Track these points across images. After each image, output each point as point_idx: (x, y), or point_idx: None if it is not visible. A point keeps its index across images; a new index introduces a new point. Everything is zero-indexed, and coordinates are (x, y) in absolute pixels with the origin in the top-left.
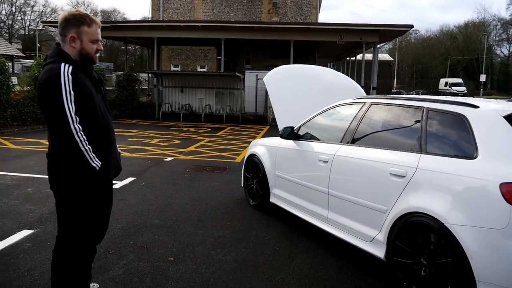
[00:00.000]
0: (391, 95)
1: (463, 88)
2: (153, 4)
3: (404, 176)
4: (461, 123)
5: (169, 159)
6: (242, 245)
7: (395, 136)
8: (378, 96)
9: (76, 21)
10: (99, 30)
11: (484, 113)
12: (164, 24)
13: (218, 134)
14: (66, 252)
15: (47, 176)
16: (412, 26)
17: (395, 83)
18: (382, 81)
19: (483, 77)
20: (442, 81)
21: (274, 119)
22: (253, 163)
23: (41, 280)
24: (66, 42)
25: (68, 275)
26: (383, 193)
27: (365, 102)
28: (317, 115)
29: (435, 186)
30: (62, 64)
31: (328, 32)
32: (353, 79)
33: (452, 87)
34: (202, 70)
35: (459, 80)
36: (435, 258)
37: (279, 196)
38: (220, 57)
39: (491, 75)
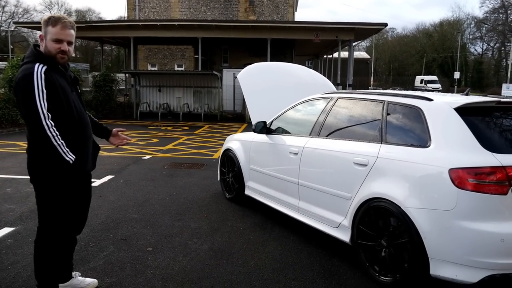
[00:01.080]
0: (358, 90)
1: (438, 85)
2: (129, 3)
3: (366, 165)
4: (417, 115)
5: (147, 157)
6: (218, 235)
7: (359, 128)
8: (345, 91)
9: (44, 22)
10: (67, 31)
11: (437, 105)
12: (140, 23)
13: (196, 132)
14: (46, 241)
15: (25, 177)
16: (386, 25)
17: (372, 80)
18: (359, 78)
19: (457, 75)
20: (418, 78)
21: None
22: (229, 157)
23: (25, 272)
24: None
25: (50, 263)
26: (348, 181)
27: (332, 97)
28: (288, 109)
29: (394, 173)
30: (37, 64)
31: (304, 30)
32: (329, 76)
33: (428, 84)
34: (180, 69)
35: (434, 78)
36: (393, 239)
37: (254, 189)
38: (197, 56)
39: (465, 73)
